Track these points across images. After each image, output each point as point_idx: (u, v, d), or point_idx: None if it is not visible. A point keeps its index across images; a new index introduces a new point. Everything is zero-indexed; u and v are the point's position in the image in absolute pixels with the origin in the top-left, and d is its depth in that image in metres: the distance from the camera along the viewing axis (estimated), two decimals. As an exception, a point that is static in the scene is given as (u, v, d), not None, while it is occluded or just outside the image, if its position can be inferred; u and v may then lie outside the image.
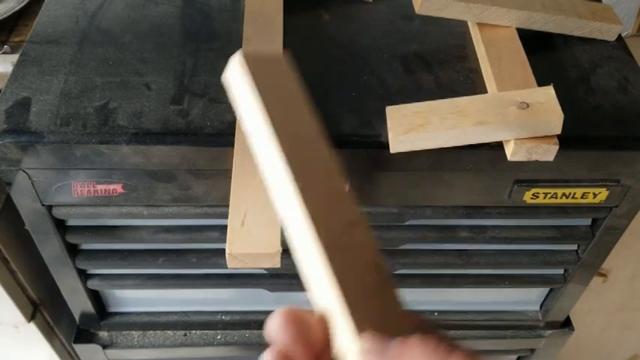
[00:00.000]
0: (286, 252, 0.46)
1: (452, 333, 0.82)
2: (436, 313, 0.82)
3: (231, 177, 0.49)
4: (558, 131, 0.51)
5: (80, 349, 0.81)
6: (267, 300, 0.79)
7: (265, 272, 0.72)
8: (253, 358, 0.86)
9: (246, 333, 0.81)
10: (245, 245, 0.45)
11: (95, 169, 0.56)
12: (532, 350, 0.88)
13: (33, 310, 0.79)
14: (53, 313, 0.82)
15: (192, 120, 0.55)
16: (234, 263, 0.45)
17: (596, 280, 1.03)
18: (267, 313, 0.81)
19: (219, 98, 0.57)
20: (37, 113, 0.55)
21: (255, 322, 0.81)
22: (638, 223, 0.68)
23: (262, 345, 0.81)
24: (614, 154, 0.57)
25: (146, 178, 0.57)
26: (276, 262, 0.45)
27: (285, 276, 0.73)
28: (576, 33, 0.65)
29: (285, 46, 0.60)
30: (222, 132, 0.54)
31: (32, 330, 0.80)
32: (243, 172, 0.49)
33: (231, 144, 0.51)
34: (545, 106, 0.51)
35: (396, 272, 0.72)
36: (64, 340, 0.86)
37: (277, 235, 0.46)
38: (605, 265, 0.88)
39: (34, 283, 0.77)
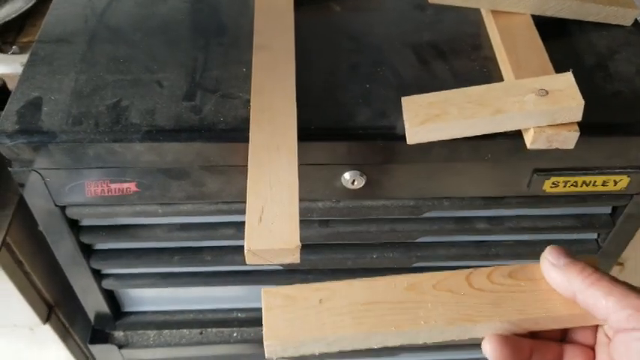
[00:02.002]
0: (304, 247, 0.45)
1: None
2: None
3: (245, 173, 0.49)
4: (579, 118, 0.50)
5: (96, 349, 0.80)
6: (282, 296, 0.78)
7: (281, 268, 0.72)
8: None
9: (262, 330, 0.80)
10: (264, 241, 0.44)
11: (108, 167, 0.56)
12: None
13: (48, 312, 0.78)
14: (68, 314, 0.81)
15: (205, 116, 0.54)
16: (253, 259, 0.44)
17: (613, 270, 1.02)
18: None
19: (232, 93, 0.56)
20: (48, 113, 0.54)
21: (271, 318, 0.80)
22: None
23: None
24: (635, 140, 0.56)
25: (160, 175, 0.57)
26: (295, 258, 0.44)
27: (301, 272, 0.72)
28: (591, 18, 0.64)
29: (296, 39, 0.59)
30: (235, 127, 0.54)
31: (47, 331, 0.79)
32: (259, 167, 0.49)
33: (245, 139, 0.51)
34: (565, 93, 0.50)
35: (413, 265, 0.71)
36: (79, 341, 0.85)
37: (296, 230, 0.45)
38: (622, 254, 0.88)
39: (48, 285, 0.76)
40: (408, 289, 0.40)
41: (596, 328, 0.40)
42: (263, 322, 0.38)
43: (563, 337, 0.41)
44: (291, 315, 0.38)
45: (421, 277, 0.40)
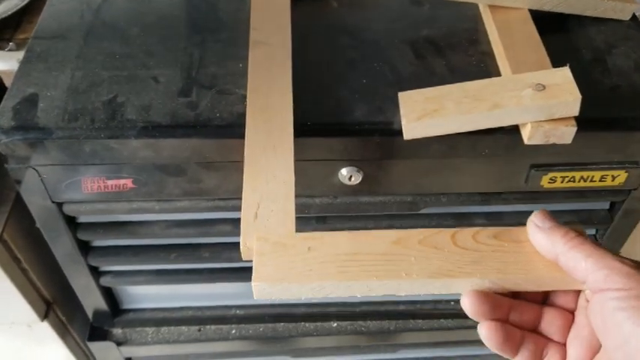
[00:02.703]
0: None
1: (469, 322, 0.81)
2: (452, 302, 0.81)
3: (242, 169, 0.48)
4: (576, 113, 0.49)
5: (94, 346, 0.80)
6: (281, 293, 0.78)
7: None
8: (268, 352, 0.86)
9: (261, 327, 0.80)
10: (260, 237, 0.44)
11: (105, 164, 0.55)
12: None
13: (46, 309, 0.78)
14: (66, 312, 0.81)
15: (201, 112, 0.54)
16: (249, 256, 0.44)
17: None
18: (281, 306, 0.81)
19: (228, 89, 0.56)
20: (44, 109, 0.54)
21: (269, 315, 0.80)
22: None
23: (277, 339, 0.80)
24: (633, 135, 0.56)
25: (156, 172, 0.57)
26: (292, 254, 0.44)
27: (299, 268, 0.72)
28: (589, 13, 0.64)
29: (293, 34, 0.59)
30: (232, 123, 0.53)
31: (46, 329, 0.79)
32: (255, 163, 0.49)
33: (242, 135, 0.51)
34: (562, 88, 0.50)
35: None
36: (77, 339, 0.85)
37: (292, 227, 0.45)
38: (621, 250, 0.87)
39: (46, 282, 0.76)
40: (394, 243, 0.41)
41: (577, 293, 0.41)
42: (253, 266, 0.40)
43: (544, 300, 0.42)
44: (280, 260, 0.40)
45: (408, 232, 0.42)
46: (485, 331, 0.39)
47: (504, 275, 0.39)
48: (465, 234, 0.41)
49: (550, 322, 0.41)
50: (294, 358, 0.89)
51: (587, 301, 0.39)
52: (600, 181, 0.60)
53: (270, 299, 0.42)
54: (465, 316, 0.86)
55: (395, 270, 0.40)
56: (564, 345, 0.41)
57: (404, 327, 0.81)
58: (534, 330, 0.41)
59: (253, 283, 0.39)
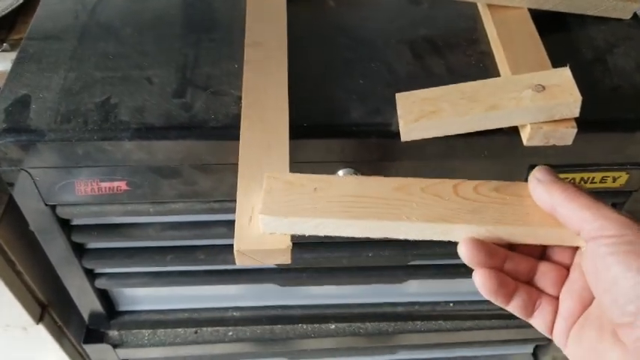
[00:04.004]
0: (296, 246, 0.45)
1: (468, 324, 0.80)
2: (451, 304, 0.80)
3: (237, 171, 0.48)
4: (576, 114, 0.48)
5: (90, 349, 0.80)
6: (277, 295, 0.78)
7: (275, 267, 0.71)
8: (265, 355, 0.85)
9: (258, 329, 0.80)
10: (254, 242, 0.43)
11: (98, 166, 0.55)
12: (549, 339, 0.87)
13: (41, 312, 0.78)
14: (62, 314, 0.81)
15: (195, 113, 0.53)
16: (243, 260, 0.43)
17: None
18: (278, 308, 0.81)
19: (223, 90, 0.55)
20: (37, 111, 0.53)
21: (266, 317, 0.80)
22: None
23: (274, 340, 0.80)
24: (635, 136, 0.55)
25: (151, 174, 0.56)
26: (286, 259, 0.43)
27: (295, 270, 0.71)
28: (590, 12, 0.63)
29: (289, 34, 0.58)
30: (227, 125, 0.53)
31: (41, 331, 0.79)
32: (250, 165, 0.48)
33: (237, 137, 0.50)
34: (562, 88, 0.49)
35: (409, 264, 0.71)
36: (73, 341, 0.85)
37: (287, 231, 0.44)
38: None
39: (41, 284, 0.76)
40: (397, 190, 0.42)
41: (574, 251, 0.41)
42: (261, 200, 0.42)
43: (541, 255, 0.43)
44: (287, 197, 0.42)
45: (412, 180, 0.43)
46: (480, 278, 0.40)
47: (501, 225, 0.40)
48: (467, 185, 0.42)
49: (544, 275, 0.42)
50: (292, 360, 0.88)
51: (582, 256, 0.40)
52: (601, 182, 0.59)
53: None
54: (464, 318, 0.86)
55: (396, 213, 0.41)
56: (557, 298, 0.41)
57: (402, 329, 0.81)
58: (529, 282, 0.42)
59: (260, 216, 0.41)
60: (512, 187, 0.42)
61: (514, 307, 0.41)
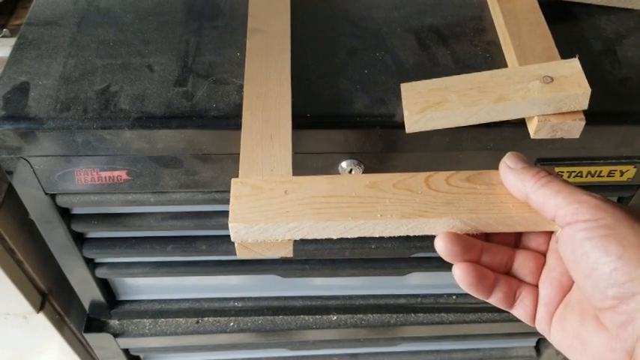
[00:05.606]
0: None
1: (471, 316, 0.80)
2: (454, 296, 0.80)
3: (239, 161, 0.47)
4: (585, 106, 0.47)
5: (91, 338, 0.79)
6: (279, 286, 0.77)
7: (277, 258, 0.70)
8: (267, 345, 0.85)
9: (259, 319, 0.79)
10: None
11: (98, 155, 0.54)
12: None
13: (42, 300, 0.77)
14: (62, 303, 0.80)
15: (197, 102, 0.53)
16: (244, 253, 0.43)
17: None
18: (280, 299, 0.80)
19: (225, 79, 0.54)
20: (36, 98, 0.53)
21: (268, 308, 0.79)
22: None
23: (276, 331, 0.79)
24: (644, 130, 0.54)
25: (151, 163, 0.55)
26: (288, 251, 0.43)
27: (298, 262, 0.71)
28: (599, 2, 0.62)
29: (292, 22, 0.57)
30: (228, 114, 0.52)
31: (42, 320, 0.78)
32: (251, 156, 0.47)
33: (239, 126, 0.49)
34: (571, 80, 0.48)
35: (413, 256, 0.70)
36: (74, 330, 0.84)
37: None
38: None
39: (41, 273, 0.75)
40: (369, 187, 0.42)
41: (548, 236, 0.42)
42: (230, 208, 0.40)
43: (517, 243, 0.43)
44: (257, 203, 0.41)
45: (382, 176, 0.42)
46: (459, 272, 0.40)
47: (476, 215, 0.40)
48: (439, 177, 0.42)
49: (522, 265, 0.42)
50: (293, 351, 0.88)
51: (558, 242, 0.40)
52: (608, 176, 0.58)
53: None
54: (467, 311, 0.85)
55: (370, 211, 0.40)
56: (536, 286, 0.41)
57: (404, 320, 0.80)
58: (507, 273, 0.42)
59: (230, 225, 0.40)
60: (483, 175, 0.42)
61: (495, 300, 0.41)
